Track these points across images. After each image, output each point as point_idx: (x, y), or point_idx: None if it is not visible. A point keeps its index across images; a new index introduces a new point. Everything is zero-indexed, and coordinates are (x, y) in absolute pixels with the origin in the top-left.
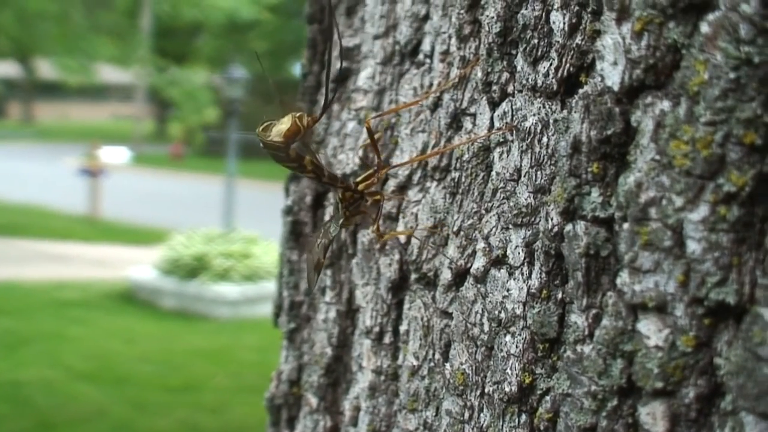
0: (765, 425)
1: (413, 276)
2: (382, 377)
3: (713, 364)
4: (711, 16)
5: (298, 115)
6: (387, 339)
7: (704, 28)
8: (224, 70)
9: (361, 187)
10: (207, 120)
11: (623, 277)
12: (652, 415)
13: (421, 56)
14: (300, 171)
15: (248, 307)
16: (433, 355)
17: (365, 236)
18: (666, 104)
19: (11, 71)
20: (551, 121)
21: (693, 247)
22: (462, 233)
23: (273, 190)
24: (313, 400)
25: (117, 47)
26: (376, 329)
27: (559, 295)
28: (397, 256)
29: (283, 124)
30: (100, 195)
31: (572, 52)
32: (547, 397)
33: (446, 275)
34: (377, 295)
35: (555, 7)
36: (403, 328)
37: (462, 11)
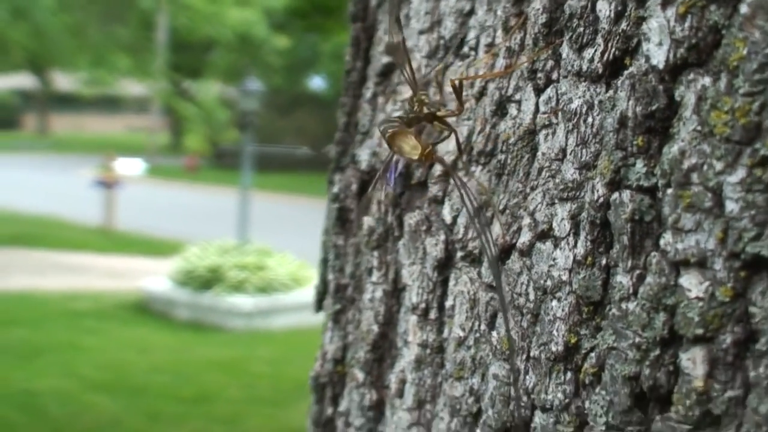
0: None
1: (459, 254)
2: (428, 350)
3: (748, 313)
4: None
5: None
6: (432, 314)
7: (743, 9)
8: (239, 82)
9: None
10: (224, 139)
11: (666, 238)
12: (693, 360)
13: (465, 49)
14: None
15: (262, 319)
16: (479, 326)
17: (411, 219)
18: (707, 80)
19: (27, 83)
20: (596, 102)
21: (731, 206)
22: (507, 211)
23: (287, 202)
24: (360, 375)
25: (132, 61)
26: (422, 305)
27: (603, 261)
28: (442, 237)
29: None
30: (114, 206)
31: (618, 37)
32: (592, 354)
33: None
34: (423, 273)
35: None
36: (448, 303)
37: (508, 4)
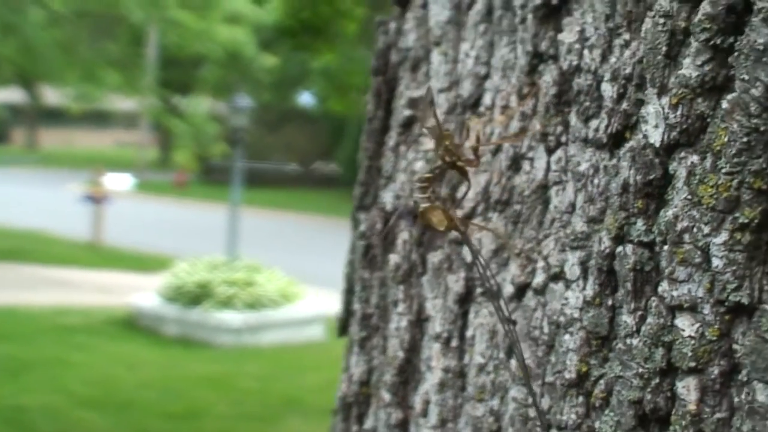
0: None
1: (478, 290)
2: (450, 375)
3: (732, 349)
4: (729, 96)
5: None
6: (454, 343)
7: (725, 104)
8: (229, 98)
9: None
10: (213, 153)
11: (663, 286)
12: (687, 388)
13: (482, 108)
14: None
15: (251, 335)
16: (498, 354)
17: (435, 257)
18: (695, 158)
19: (16, 97)
20: (601, 166)
21: (717, 262)
22: (523, 255)
23: (277, 218)
24: (387, 396)
25: (122, 76)
26: (445, 335)
27: (609, 302)
28: (463, 274)
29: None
30: (103, 221)
31: (619, 114)
32: (601, 381)
33: (509, 289)
34: (446, 306)
35: (605, 79)
36: (469, 333)
37: (522, 75)
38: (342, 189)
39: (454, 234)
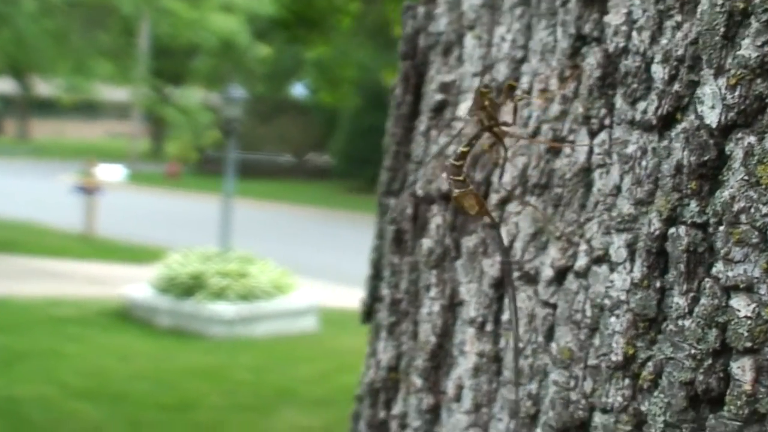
0: None
1: (516, 274)
2: (484, 359)
3: None
4: None
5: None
6: (489, 327)
7: None
8: (222, 89)
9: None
10: (206, 142)
11: (718, 267)
12: (742, 368)
13: (518, 92)
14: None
15: (244, 326)
16: (537, 338)
17: (469, 241)
18: (753, 138)
19: (7, 88)
20: (649, 148)
21: None
22: (563, 238)
23: (270, 209)
24: (418, 381)
25: (114, 66)
26: (479, 319)
27: (658, 284)
28: (498, 258)
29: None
30: (95, 213)
31: (671, 96)
32: (649, 363)
33: (548, 272)
34: (480, 290)
35: (656, 60)
36: (505, 317)
37: (563, 57)
38: (335, 180)
39: (487, 218)
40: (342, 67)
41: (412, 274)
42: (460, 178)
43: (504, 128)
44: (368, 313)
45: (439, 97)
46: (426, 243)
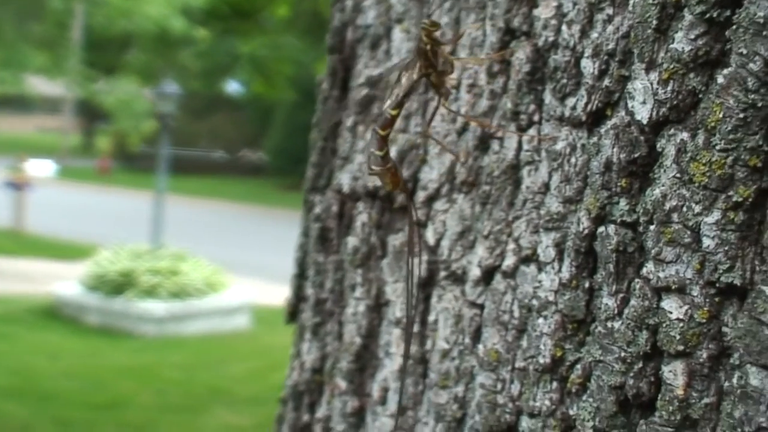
0: (765, 373)
1: (442, 274)
2: (410, 361)
3: (721, 332)
4: (725, 71)
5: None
6: (415, 328)
7: (720, 79)
8: (156, 84)
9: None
10: (145, 131)
11: (648, 267)
12: (674, 372)
13: (447, 86)
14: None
15: (174, 324)
16: (463, 339)
17: (396, 240)
18: (685, 135)
19: None
20: (579, 145)
21: (708, 242)
22: (491, 237)
23: (203, 206)
24: (342, 384)
25: (47, 58)
26: (405, 320)
27: (587, 284)
28: (425, 257)
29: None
30: (25, 208)
31: (601, 91)
32: (577, 366)
33: (475, 272)
34: (407, 290)
35: (586, 55)
36: (431, 318)
37: (491, 52)
38: (269, 177)
39: (416, 214)
40: (276, 60)
41: (337, 274)
42: (381, 153)
43: (442, 79)
44: (293, 313)
45: (366, 91)
46: (351, 241)
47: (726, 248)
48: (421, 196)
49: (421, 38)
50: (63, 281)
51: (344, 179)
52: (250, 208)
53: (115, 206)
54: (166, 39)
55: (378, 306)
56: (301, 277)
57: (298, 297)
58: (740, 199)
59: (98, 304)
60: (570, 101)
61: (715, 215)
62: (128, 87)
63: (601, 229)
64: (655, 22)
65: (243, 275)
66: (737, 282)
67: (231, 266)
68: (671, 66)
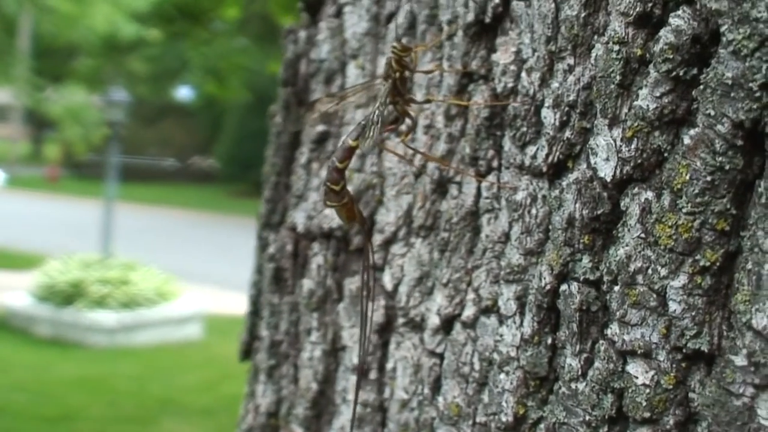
0: None
1: (400, 320)
2: (368, 409)
3: (688, 398)
4: (692, 131)
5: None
6: (373, 375)
7: (686, 140)
8: (104, 91)
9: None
10: (94, 140)
11: (613, 329)
12: None
13: (403, 127)
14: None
15: (125, 334)
16: (423, 389)
17: (352, 284)
18: (650, 194)
19: None
20: (539, 195)
21: (674, 307)
22: (450, 285)
23: (153, 214)
24: (298, 430)
25: None
26: (359, 364)
27: (549, 341)
28: (383, 302)
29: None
30: None
31: (562, 143)
32: (541, 425)
33: (434, 320)
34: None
35: (546, 105)
36: (389, 365)
37: (448, 94)
38: (220, 184)
39: (376, 259)
40: (228, 61)
41: (293, 315)
42: (337, 187)
43: (410, 104)
44: (247, 351)
45: (320, 128)
46: (307, 284)
47: (693, 313)
48: (378, 239)
49: (390, 64)
50: (11, 292)
51: (299, 218)
52: (202, 215)
53: (64, 215)
54: (115, 45)
55: (335, 351)
56: (255, 314)
57: (252, 335)
58: (707, 264)
59: (48, 315)
60: (530, 149)
61: (682, 279)
62: (76, 95)
63: (564, 287)
64: (618, 77)
65: (195, 283)
66: (704, 348)
67: (182, 274)
68: (635, 123)
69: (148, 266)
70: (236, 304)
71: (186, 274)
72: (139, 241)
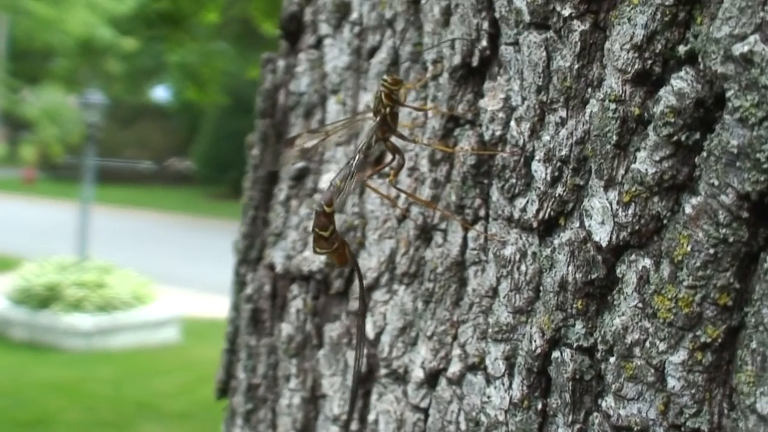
0: None
1: (383, 371)
2: None
3: None
4: (694, 201)
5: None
6: (354, 426)
7: (688, 209)
8: (80, 93)
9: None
10: (71, 141)
11: (608, 402)
12: None
13: (386, 169)
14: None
15: (102, 338)
16: None
17: (333, 331)
18: (648, 261)
19: None
20: (530, 252)
21: (673, 383)
22: (435, 338)
23: (130, 216)
24: None
25: None
26: (344, 417)
27: (539, 406)
28: (365, 351)
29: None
30: None
31: (554, 199)
32: None
33: (418, 373)
34: (345, 385)
35: (537, 158)
36: (371, 417)
37: (434, 139)
38: (197, 186)
39: (354, 304)
40: (208, 65)
41: (271, 358)
42: (326, 233)
43: (400, 139)
44: (223, 389)
45: (299, 164)
46: (285, 328)
47: (692, 390)
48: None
49: (380, 98)
50: None
51: (277, 257)
52: (178, 217)
53: (40, 217)
54: (92, 47)
55: (314, 399)
56: (231, 353)
57: (229, 373)
58: (708, 340)
59: (24, 319)
60: (519, 202)
61: (681, 355)
62: (53, 95)
63: (556, 353)
64: (615, 137)
65: (172, 286)
66: (704, 427)
67: (159, 277)
68: (633, 188)
69: (125, 269)
70: (213, 306)
71: (163, 276)
72: (116, 243)
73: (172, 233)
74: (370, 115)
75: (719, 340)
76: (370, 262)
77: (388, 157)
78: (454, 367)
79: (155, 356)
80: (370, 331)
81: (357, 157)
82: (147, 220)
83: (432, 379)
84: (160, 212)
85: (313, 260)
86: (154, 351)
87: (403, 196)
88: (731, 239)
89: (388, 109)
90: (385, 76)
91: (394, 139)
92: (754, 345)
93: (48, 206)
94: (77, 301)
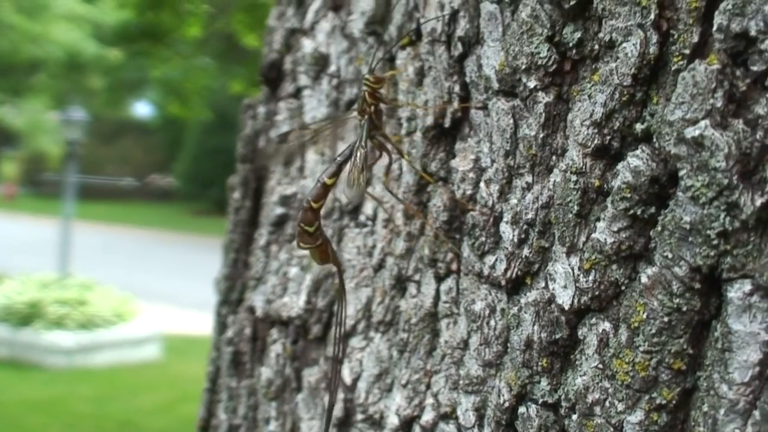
0: None
1: (359, 416)
2: None
3: None
4: (649, 271)
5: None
6: None
7: (644, 278)
8: (62, 109)
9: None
10: (54, 155)
11: None
12: None
13: (362, 218)
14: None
15: (83, 355)
16: None
17: (311, 376)
18: (607, 325)
19: None
20: (498, 308)
21: None
22: (409, 386)
23: (112, 232)
24: None
25: None
26: None
27: None
28: (342, 396)
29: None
30: None
31: (520, 260)
32: None
33: (393, 420)
34: (323, 429)
35: (505, 220)
36: None
37: (408, 193)
38: (179, 202)
39: (331, 349)
40: (190, 81)
41: (251, 400)
42: (311, 229)
43: (388, 139)
44: (204, 428)
45: (279, 210)
46: (265, 372)
47: None
48: (336, 330)
49: (364, 98)
50: None
51: (257, 301)
52: (160, 233)
53: (21, 233)
54: (76, 63)
55: None
56: (212, 391)
57: (209, 411)
58: (664, 402)
59: (5, 336)
60: (489, 259)
61: (638, 415)
62: (36, 107)
63: (522, 409)
64: (576, 207)
65: (154, 302)
66: None
67: (141, 293)
68: (593, 256)
69: (106, 286)
70: (195, 323)
71: (145, 292)
72: (98, 259)
73: (154, 249)
74: (355, 114)
75: (674, 402)
76: (347, 309)
77: (376, 153)
78: (428, 416)
79: (137, 373)
80: (347, 377)
81: (360, 152)
82: (129, 236)
83: (406, 426)
84: (141, 228)
85: (292, 306)
86: (135, 368)
87: (380, 239)
88: (684, 308)
89: (373, 108)
90: (367, 75)
91: (380, 137)
92: (705, 408)
93: (29, 222)
94: (59, 319)
